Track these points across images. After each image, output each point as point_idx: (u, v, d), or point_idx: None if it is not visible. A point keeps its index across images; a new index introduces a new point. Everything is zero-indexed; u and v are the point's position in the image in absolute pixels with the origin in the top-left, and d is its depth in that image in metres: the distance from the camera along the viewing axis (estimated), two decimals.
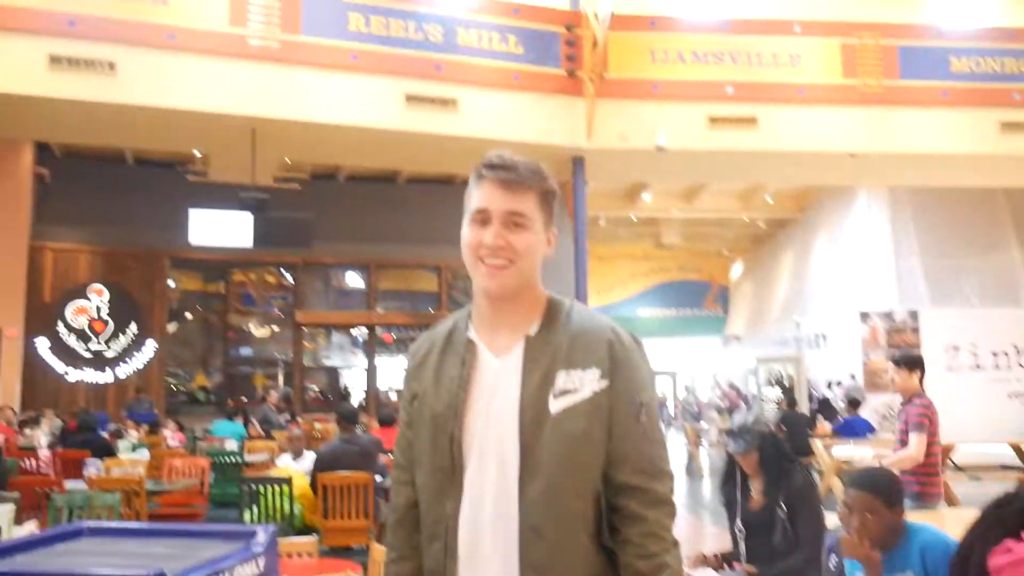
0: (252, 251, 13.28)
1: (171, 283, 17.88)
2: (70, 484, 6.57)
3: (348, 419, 6.74)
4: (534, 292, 1.70)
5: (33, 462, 8.36)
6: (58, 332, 16.41)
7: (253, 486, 6.21)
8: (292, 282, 18.80)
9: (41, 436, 10.81)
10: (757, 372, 20.04)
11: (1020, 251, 19.82)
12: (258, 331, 18.90)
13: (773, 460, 3.93)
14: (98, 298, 16.78)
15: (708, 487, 12.50)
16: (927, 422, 4.81)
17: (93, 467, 7.10)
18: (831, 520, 3.72)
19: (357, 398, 18.72)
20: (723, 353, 29.53)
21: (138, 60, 10.01)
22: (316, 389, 19.22)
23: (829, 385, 18.00)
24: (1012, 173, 14.02)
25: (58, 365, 16.37)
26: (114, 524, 3.76)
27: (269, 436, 11.82)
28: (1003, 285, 19.53)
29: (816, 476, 10.28)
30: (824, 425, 13.00)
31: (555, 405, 1.58)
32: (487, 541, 1.59)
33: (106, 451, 8.22)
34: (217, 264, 17.97)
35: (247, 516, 6.18)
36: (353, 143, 11.81)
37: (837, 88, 12.48)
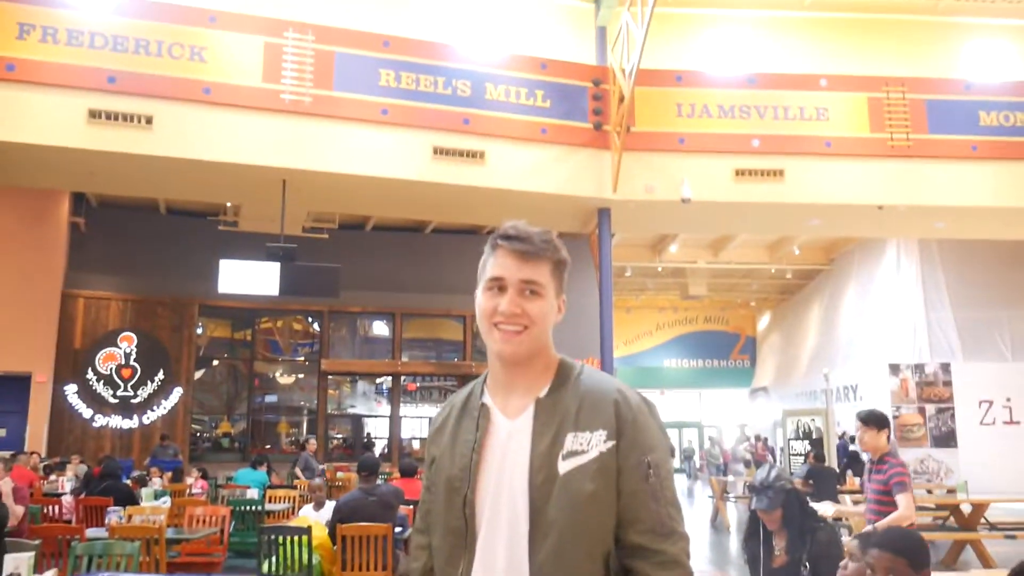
0: (279, 299, 13.43)
1: (199, 330, 18.07)
2: (91, 532, 6.58)
3: (369, 470, 6.71)
4: (546, 356, 1.72)
5: (56, 508, 8.42)
6: (87, 378, 16.61)
7: (272, 535, 6.18)
8: (318, 330, 18.92)
9: (65, 482, 10.89)
10: (784, 424, 19.69)
11: None
12: (283, 378, 19.00)
13: (797, 517, 3.86)
14: (127, 345, 16.99)
15: (734, 541, 12.25)
16: (907, 480, 4.78)
17: (115, 515, 7.11)
18: None
19: (380, 447, 18.67)
20: (750, 405, 29.17)
21: (174, 114, 10.28)
22: (340, 437, 19.20)
23: (853, 439, 17.65)
24: None
25: (85, 411, 16.54)
26: None
27: (292, 485, 11.80)
28: None
29: (844, 533, 10.05)
30: (853, 480, 12.73)
31: (563, 466, 1.60)
32: None
33: (129, 498, 8.24)
34: (245, 312, 18.18)
35: (265, 566, 6.14)
36: (381, 194, 11.97)
37: (864, 141, 12.48)
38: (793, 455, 16.35)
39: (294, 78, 10.78)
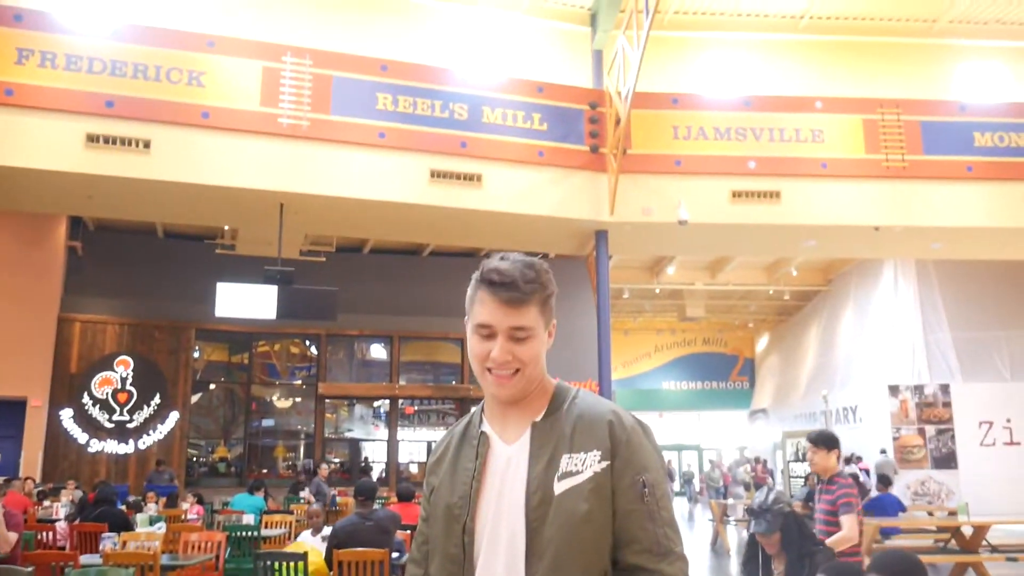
0: (276, 323, 13.39)
1: (196, 354, 18.01)
2: (85, 558, 6.51)
3: (366, 495, 6.65)
4: (541, 385, 1.73)
5: (50, 535, 8.34)
6: (82, 402, 16.52)
7: (268, 561, 6.12)
8: (315, 353, 18.86)
9: (60, 508, 10.80)
10: (784, 446, 19.68)
11: None
12: (280, 402, 18.92)
13: (795, 541, 3.83)
14: (124, 369, 16.92)
15: (735, 565, 12.16)
16: (855, 502, 4.77)
17: (109, 541, 7.05)
18: None
19: (378, 471, 18.56)
20: (749, 427, 29.07)
21: (172, 138, 10.31)
22: (337, 461, 19.08)
23: (848, 461, 17.61)
24: None
25: (81, 436, 16.43)
26: None
27: (288, 510, 11.71)
28: None
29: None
30: None
31: (559, 487, 1.60)
32: None
33: (124, 524, 8.16)
34: (242, 336, 18.13)
35: None
36: (379, 217, 11.99)
37: (860, 163, 12.54)
38: (793, 477, 16.30)
39: (292, 102, 10.83)
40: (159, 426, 16.97)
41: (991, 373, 19.16)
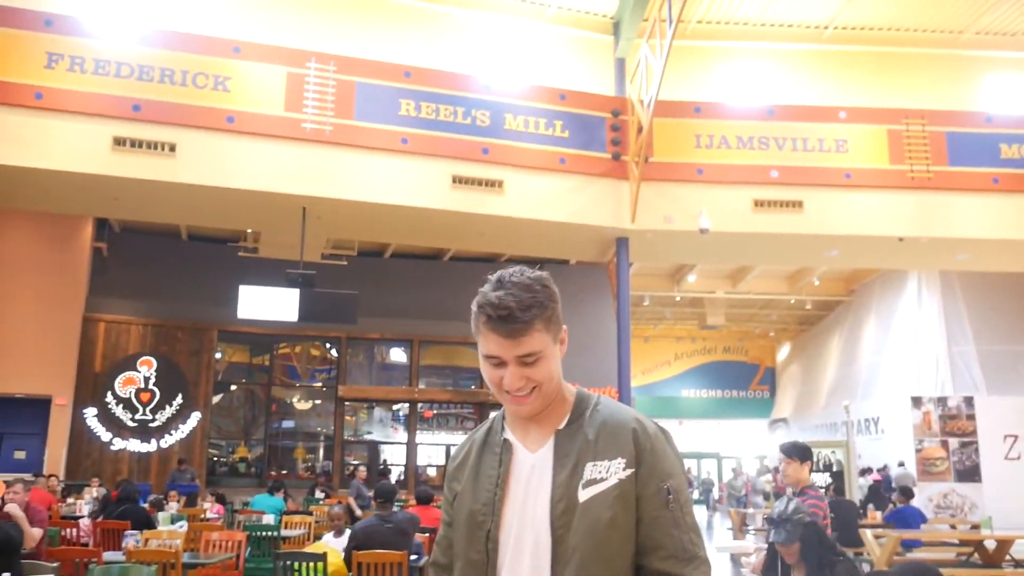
0: (297, 325, 13.49)
1: (218, 355, 18.18)
2: (108, 555, 6.60)
3: (385, 497, 6.70)
4: (561, 394, 1.73)
5: (74, 531, 8.45)
6: (106, 401, 16.72)
7: (287, 561, 6.17)
8: (336, 356, 18.97)
9: (83, 505, 10.93)
10: None
11: None
12: (300, 404, 19.04)
13: (815, 551, 3.82)
14: (147, 369, 17.11)
15: None
16: (821, 514, 4.74)
17: (132, 538, 7.13)
18: None
19: (396, 473, 18.63)
20: (769, 436, 28.88)
21: (197, 142, 10.44)
22: (356, 463, 19.16)
23: (862, 473, 17.45)
24: None
25: (104, 434, 16.63)
26: None
27: (308, 511, 11.78)
28: None
29: (866, 568, 9.89)
30: (875, 514, 12.55)
31: (583, 495, 1.61)
32: None
33: (146, 522, 8.26)
34: (263, 338, 18.28)
35: None
36: (400, 222, 12.05)
37: (884, 173, 12.46)
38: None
39: (316, 107, 10.93)
40: (181, 426, 17.14)
41: (1016, 386, 18.92)
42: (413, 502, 10.71)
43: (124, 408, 16.84)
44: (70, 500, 11.88)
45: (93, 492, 12.37)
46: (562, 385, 1.74)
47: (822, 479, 16.39)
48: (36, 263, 16.07)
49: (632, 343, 12.60)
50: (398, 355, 19.63)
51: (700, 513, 25.27)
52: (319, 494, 14.69)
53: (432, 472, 19.11)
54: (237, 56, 10.82)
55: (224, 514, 11.95)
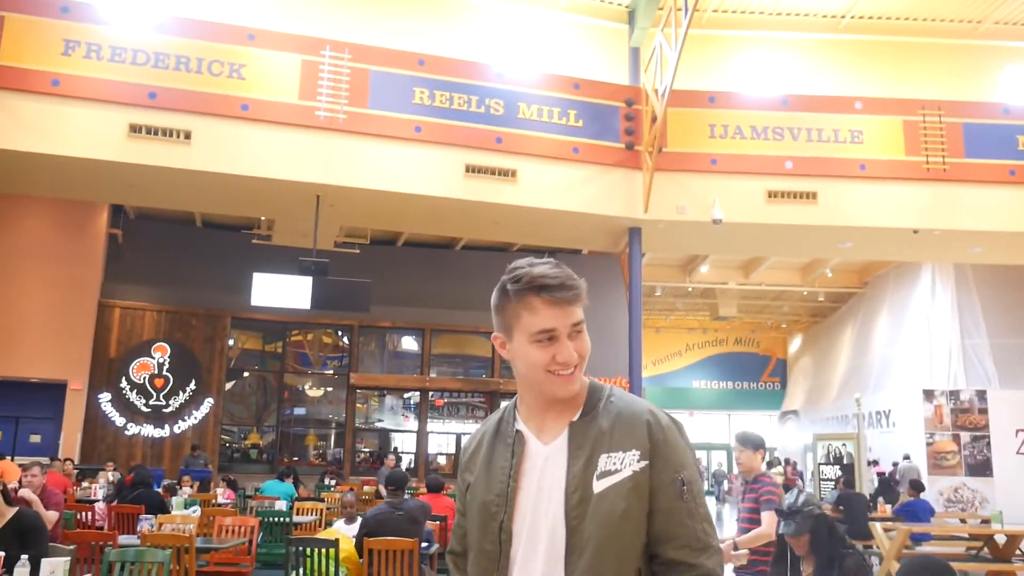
0: (310, 313, 13.56)
1: (231, 342, 18.28)
2: (123, 539, 6.68)
3: (396, 484, 6.75)
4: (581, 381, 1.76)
5: (89, 515, 8.55)
6: (120, 387, 16.86)
7: (300, 547, 6.23)
8: (348, 344, 19.05)
9: (97, 489, 11.05)
10: (815, 449, 19.51)
11: None
12: (312, 391, 19.14)
13: (825, 543, 3.83)
14: (161, 355, 17.24)
15: None
16: (777, 500, 4.78)
17: (146, 523, 7.21)
18: None
19: (407, 461, 18.72)
20: (780, 428, 28.84)
21: (212, 129, 10.47)
22: (367, 451, 19.28)
23: (869, 464, 17.40)
24: None
25: (118, 419, 16.79)
26: None
27: (319, 498, 11.86)
28: None
29: (876, 561, 9.90)
30: (884, 507, 12.54)
31: (598, 486, 1.63)
32: None
33: (160, 507, 8.35)
34: (276, 325, 18.37)
35: None
36: (413, 211, 12.07)
37: (899, 164, 12.38)
38: (823, 480, 16.15)
39: (330, 95, 10.94)
40: (194, 412, 17.27)
41: None
42: (424, 490, 10.77)
43: (138, 393, 16.98)
44: (85, 484, 12.00)
45: (108, 476, 12.49)
46: None
47: (832, 472, 16.37)
48: (52, 249, 16.20)
49: (643, 333, 12.60)
50: (409, 343, 19.70)
51: (710, 504, 25.25)
52: (330, 481, 14.79)
53: (442, 460, 19.20)
54: (252, 44, 10.84)
55: (236, 500, 12.06)
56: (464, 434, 18.96)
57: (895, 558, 8.99)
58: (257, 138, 10.61)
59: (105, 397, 16.73)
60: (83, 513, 8.53)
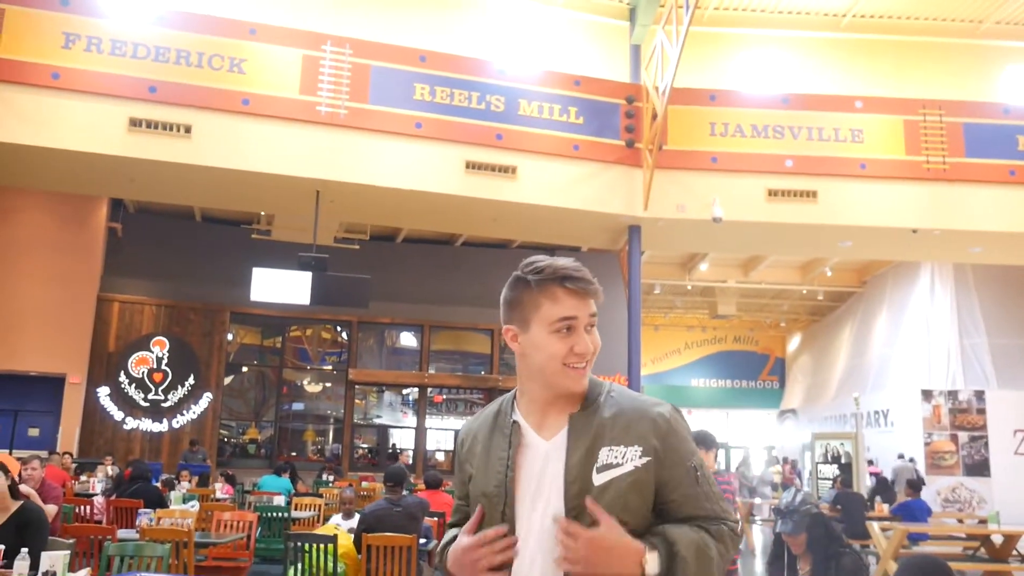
0: (309, 308, 13.56)
1: (230, 337, 18.28)
2: (122, 533, 6.68)
3: (395, 481, 6.75)
4: None
5: (87, 509, 8.55)
6: (119, 381, 16.86)
7: (298, 543, 6.24)
8: (347, 340, 19.05)
9: (96, 483, 11.05)
10: (813, 448, 19.57)
11: None
12: (311, 387, 19.14)
13: (822, 542, 3.84)
14: (159, 349, 17.23)
15: (759, 564, 12.13)
16: (732, 497, 4.81)
17: (145, 517, 7.21)
18: None
19: (405, 458, 18.74)
20: (778, 427, 28.86)
21: (213, 124, 10.47)
22: (365, 447, 19.28)
23: (870, 462, 17.43)
24: None
25: (116, 413, 16.78)
26: None
27: (317, 493, 11.87)
28: None
29: (873, 560, 9.92)
30: (882, 507, 12.56)
31: (598, 478, 1.65)
32: None
33: (158, 501, 8.35)
34: (275, 320, 18.37)
35: (291, 572, 6.20)
36: (413, 207, 12.07)
37: (900, 164, 12.39)
38: (821, 479, 16.18)
39: (331, 91, 10.94)
40: (192, 406, 17.27)
41: None
42: (422, 486, 10.77)
43: (137, 388, 16.98)
44: (83, 478, 12.01)
45: (107, 470, 12.49)
46: None
47: (830, 471, 16.39)
48: (51, 243, 16.18)
49: (642, 331, 12.60)
50: (408, 340, 19.69)
51: None
52: (328, 477, 14.80)
53: (441, 457, 19.21)
54: (253, 38, 10.83)
55: (234, 495, 12.07)
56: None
57: (892, 558, 9.01)
58: (257, 133, 10.61)
59: (104, 391, 16.73)
60: (82, 507, 8.53)
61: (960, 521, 14.64)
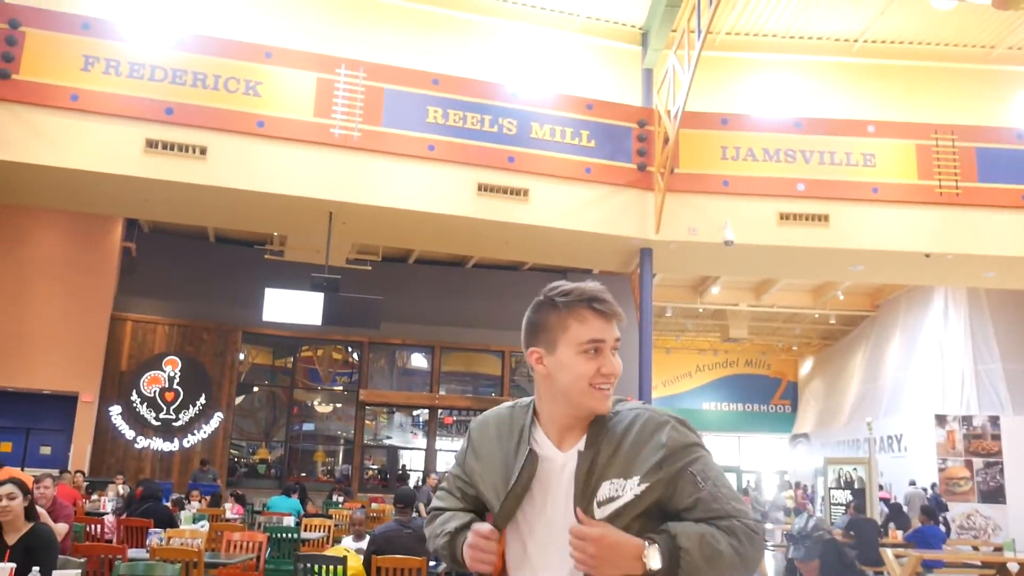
0: (320, 329, 13.61)
1: (241, 357, 18.34)
2: (132, 552, 6.69)
3: (404, 502, 6.74)
4: None
5: (98, 527, 8.57)
6: (131, 400, 16.92)
7: (308, 564, 6.23)
8: (357, 360, 19.08)
9: (107, 502, 11.07)
10: (826, 473, 19.44)
11: None
12: (321, 407, 19.16)
13: (835, 569, 3.81)
14: (171, 369, 17.30)
15: None
16: None
17: (155, 536, 7.22)
18: None
19: (415, 479, 18.69)
20: (790, 452, 28.65)
21: (228, 146, 10.57)
22: (375, 468, 19.25)
23: (880, 487, 17.27)
24: None
25: (128, 432, 16.83)
26: None
27: (327, 515, 11.85)
28: None
29: None
30: (896, 533, 12.43)
31: (599, 513, 1.67)
32: None
33: (168, 521, 8.36)
34: (286, 340, 18.44)
35: None
36: (425, 229, 12.12)
37: (912, 188, 12.37)
38: (834, 504, 16.04)
39: (344, 113, 11.03)
40: (203, 426, 17.31)
41: None
42: None
43: (148, 407, 17.04)
44: (94, 497, 12.03)
45: (118, 489, 12.52)
46: None
47: (843, 496, 16.25)
48: (66, 262, 16.33)
49: (653, 354, 12.58)
50: (419, 361, 19.71)
51: None
52: (338, 498, 14.78)
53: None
54: (268, 61, 10.95)
55: (244, 515, 12.06)
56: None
57: None
58: (272, 155, 10.70)
59: (116, 410, 16.80)
60: (93, 526, 8.55)
61: (975, 548, 14.47)
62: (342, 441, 19.00)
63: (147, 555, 6.27)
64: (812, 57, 13.21)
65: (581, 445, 1.73)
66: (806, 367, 29.29)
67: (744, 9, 12.60)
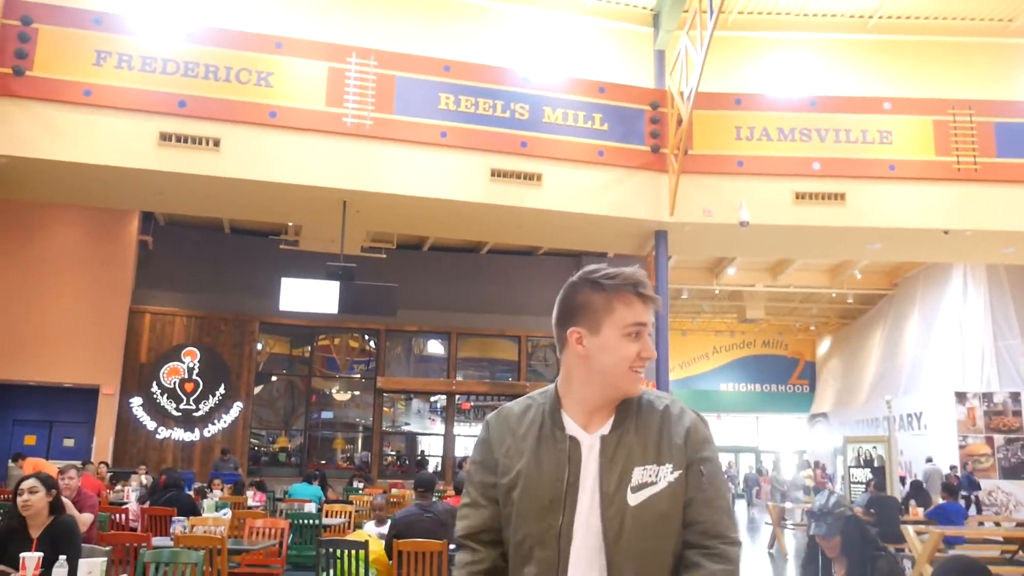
0: (337, 317, 13.66)
1: (259, 346, 18.46)
2: (156, 540, 6.77)
3: (425, 487, 6.79)
4: None
5: (122, 516, 8.68)
6: (151, 391, 17.08)
7: (330, 549, 6.29)
8: (374, 348, 19.16)
9: (130, 492, 11.21)
10: (845, 452, 19.38)
11: None
12: (340, 395, 19.27)
13: (856, 545, 3.80)
14: (191, 360, 17.44)
15: (791, 569, 12.02)
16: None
17: (179, 524, 7.31)
18: None
19: (433, 464, 18.79)
20: (809, 431, 28.59)
21: (241, 137, 10.60)
22: (394, 454, 19.37)
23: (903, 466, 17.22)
24: None
25: (149, 423, 17.00)
26: None
27: (347, 500, 11.94)
28: None
29: (908, 564, 9.79)
30: (916, 510, 12.39)
31: (633, 499, 1.69)
32: None
33: (191, 509, 8.45)
34: (303, 329, 18.52)
35: None
36: (439, 216, 12.13)
37: (929, 165, 12.25)
38: (854, 483, 15.99)
39: (356, 102, 11.03)
40: (223, 415, 17.45)
41: None
42: (451, 492, 10.81)
43: (169, 398, 17.19)
44: (118, 487, 12.18)
45: (141, 479, 12.66)
46: None
47: (862, 475, 16.21)
48: (84, 256, 16.47)
49: (670, 336, 12.56)
50: (436, 347, 19.77)
51: (741, 509, 25.07)
52: (358, 484, 14.88)
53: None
54: (279, 52, 10.96)
55: (265, 502, 12.16)
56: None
57: (928, 561, 8.89)
58: (285, 145, 10.73)
59: (136, 401, 16.96)
60: (117, 515, 8.66)
61: (997, 524, 14.40)
62: (361, 428, 19.12)
63: (171, 543, 6.35)
64: (826, 35, 13.07)
65: (607, 427, 1.75)
66: (824, 347, 29.17)
67: None
